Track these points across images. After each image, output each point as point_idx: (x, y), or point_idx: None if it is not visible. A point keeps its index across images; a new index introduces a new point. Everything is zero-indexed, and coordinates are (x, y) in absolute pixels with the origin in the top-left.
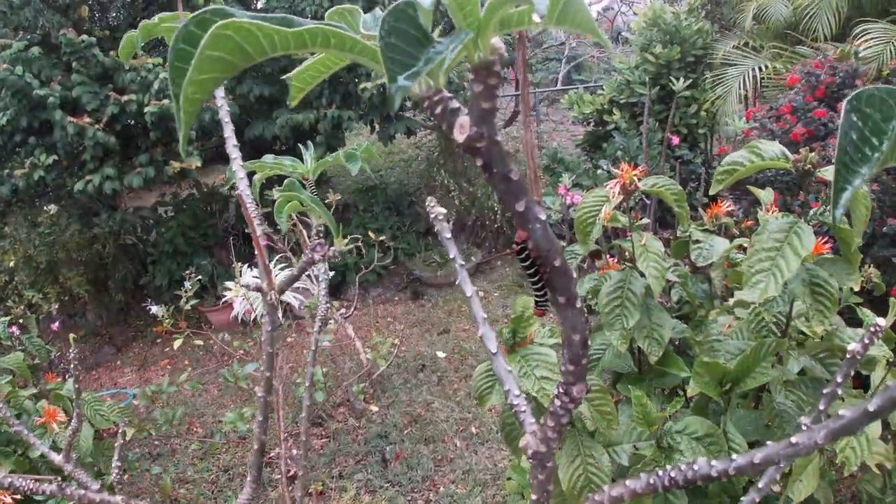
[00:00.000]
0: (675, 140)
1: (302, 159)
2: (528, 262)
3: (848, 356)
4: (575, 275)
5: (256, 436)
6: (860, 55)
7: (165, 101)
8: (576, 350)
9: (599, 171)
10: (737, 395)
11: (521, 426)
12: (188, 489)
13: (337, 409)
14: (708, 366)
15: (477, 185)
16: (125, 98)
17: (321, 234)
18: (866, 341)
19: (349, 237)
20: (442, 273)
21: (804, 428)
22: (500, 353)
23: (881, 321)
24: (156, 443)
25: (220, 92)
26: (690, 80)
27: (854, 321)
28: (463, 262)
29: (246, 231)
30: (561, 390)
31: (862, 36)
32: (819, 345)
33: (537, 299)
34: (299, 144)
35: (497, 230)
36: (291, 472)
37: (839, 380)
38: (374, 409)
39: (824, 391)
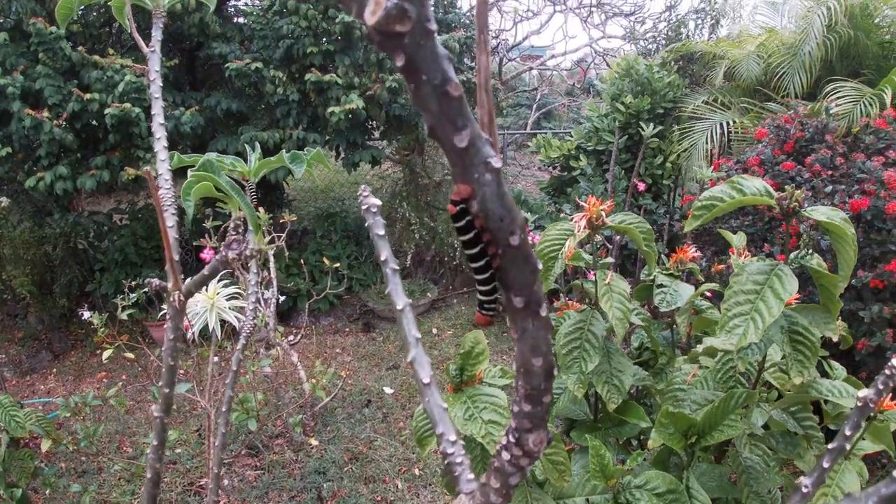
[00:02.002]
0: (641, 186)
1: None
2: (469, 236)
3: (858, 404)
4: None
5: (150, 464)
6: (831, 112)
7: (127, 105)
8: (536, 382)
9: (562, 215)
10: (700, 449)
11: (455, 481)
12: None
13: (274, 439)
14: (674, 416)
15: (439, 221)
16: (88, 96)
17: (240, 230)
18: (880, 387)
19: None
20: None
21: (804, 489)
22: (435, 386)
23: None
24: (82, 459)
25: (154, 64)
26: (659, 129)
27: (822, 375)
28: (396, 268)
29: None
30: (511, 439)
31: (833, 94)
32: (792, 397)
33: (482, 299)
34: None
35: (455, 267)
36: (222, 503)
37: (847, 432)
38: (314, 442)
39: (830, 446)
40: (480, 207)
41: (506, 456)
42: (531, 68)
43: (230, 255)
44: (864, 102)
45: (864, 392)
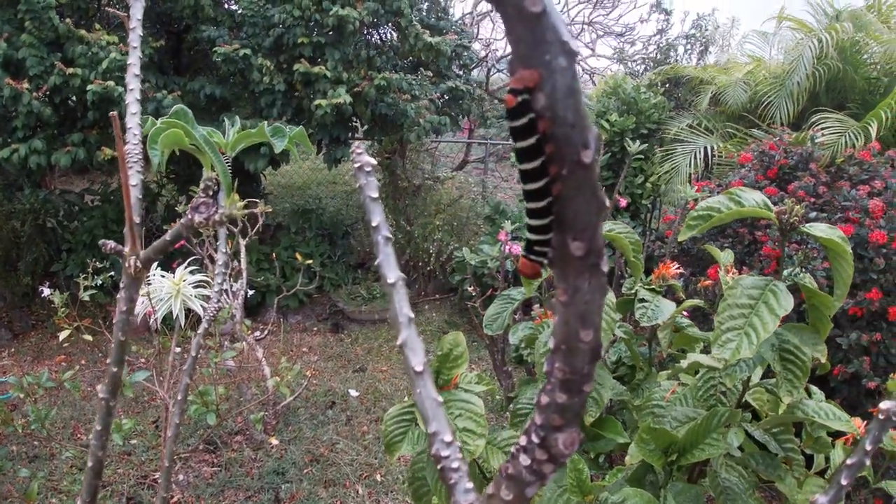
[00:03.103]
0: (623, 202)
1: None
2: (528, 143)
3: (881, 416)
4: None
5: (92, 451)
6: (816, 142)
7: (111, 83)
8: (579, 364)
9: None
10: (678, 467)
11: (449, 492)
12: (60, 500)
13: (234, 436)
14: (655, 432)
15: (416, 226)
16: (71, 71)
17: (211, 193)
18: None
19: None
20: (366, 308)
21: None
22: (429, 375)
23: None
24: (35, 443)
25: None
26: (644, 146)
27: None
28: (389, 236)
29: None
30: (535, 439)
31: (819, 124)
32: (774, 418)
33: (533, 238)
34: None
35: (429, 273)
36: (175, 499)
37: (868, 447)
38: (274, 441)
39: (849, 461)
40: (548, 103)
41: (524, 461)
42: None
43: (197, 219)
44: (849, 134)
45: (887, 404)
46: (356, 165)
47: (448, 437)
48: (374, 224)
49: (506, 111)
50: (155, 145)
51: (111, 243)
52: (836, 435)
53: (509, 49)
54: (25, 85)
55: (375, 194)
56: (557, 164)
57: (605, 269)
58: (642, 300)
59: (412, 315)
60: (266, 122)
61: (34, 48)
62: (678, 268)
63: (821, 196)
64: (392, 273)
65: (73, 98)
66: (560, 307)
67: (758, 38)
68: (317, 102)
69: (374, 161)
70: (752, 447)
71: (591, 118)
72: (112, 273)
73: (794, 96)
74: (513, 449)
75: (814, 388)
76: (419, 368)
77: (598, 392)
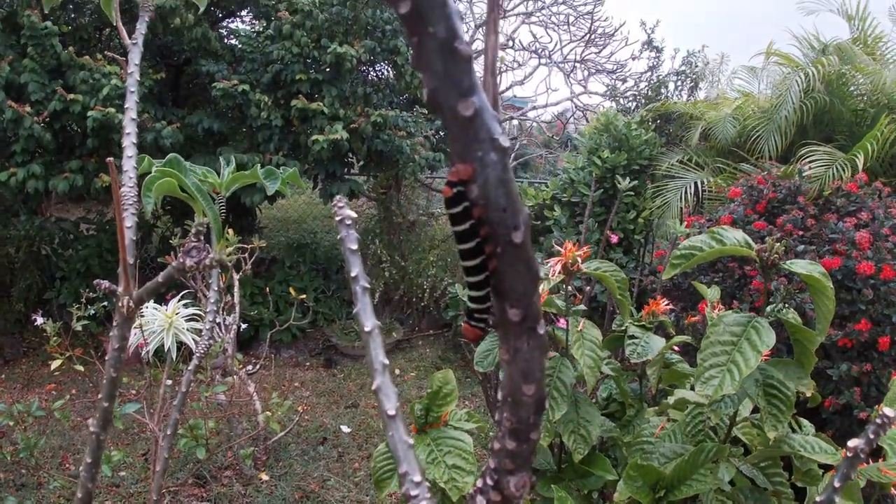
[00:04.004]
0: (614, 238)
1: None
2: (464, 227)
3: (849, 454)
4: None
5: (81, 483)
6: (804, 175)
7: (111, 110)
8: (524, 415)
9: None
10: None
11: None
12: None
13: (223, 471)
14: (643, 469)
15: (410, 262)
16: (71, 97)
17: (202, 237)
18: (871, 436)
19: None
20: (359, 344)
21: None
22: (401, 419)
23: (889, 411)
24: (23, 471)
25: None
26: (635, 183)
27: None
28: (367, 286)
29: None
30: (489, 481)
31: (807, 157)
32: (762, 452)
33: (473, 307)
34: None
35: (423, 309)
36: None
37: (837, 484)
38: (265, 477)
39: (818, 498)
40: (482, 193)
41: (481, 501)
42: (512, 118)
43: (188, 263)
44: (836, 166)
45: (854, 442)
46: (337, 218)
47: (417, 477)
48: (352, 274)
49: (444, 200)
50: (149, 193)
51: (105, 283)
52: (827, 467)
53: (503, 87)
54: (27, 108)
55: (355, 246)
56: (492, 243)
57: (542, 332)
58: (632, 336)
59: (387, 362)
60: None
61: (36, 73)
62: (668, 304)
63: (809, 229)
64: (369, 321)
65: (73, 125)
66: (504, 365)
67: (746, 73)
68: (314, 138)
69: (354, 214)
70: (744, 482)
71: (584, 155)
72: (105, 303)
73: (782, 130)
74: (470, 490)
75: (804, 421)
76: (392, 412)
77: (587, 430)
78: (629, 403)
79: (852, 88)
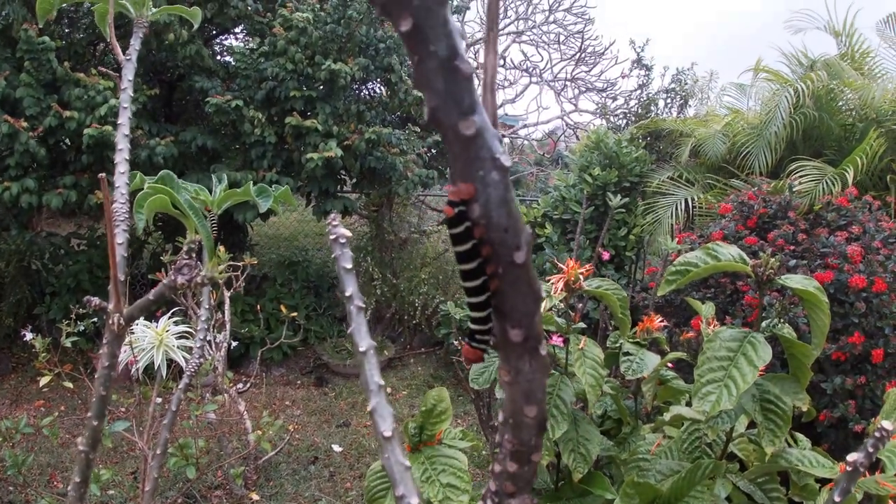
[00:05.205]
0: (606, 255)
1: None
2: (465, 247)
3: (848, 468)
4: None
5: (70, 501)
6: (794, 190)
7: (108, 127)
8: (526, 437)
9: None
10: None
11: None
12: None
13: (213, 490)
14: (639, 486)
15: (402, 279)
16: (67, 113)
17: (193, 255)
18: (870, 449)
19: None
20: (351, 363)
21: None
22: (397, 440)
23: (887, 424)
24: (10, 489)
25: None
26: (626, 200)
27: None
28: (362, 305)
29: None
30: None
31: (797, 172)
32: (759, 468)
33: (474, 328)
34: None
35: (415, 327)
36: None
37: (837, 498)
38: (255, 497)
39: None
40: (483, 212)
41: None
42: (503, 135)
43: (179, 280)
44: (826, 181)
45: (853, 455)
46: (332, 237)
47: (415, 500)
48: (347, 294)
49: (446, 220)
50: (141, 210)
51: (96, 300)
52: (824, 481)
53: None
54: (23, 123)
55: (350, 265)
56: (494, 263)
57: (545, 352)
58: (627, 353)
59: (382, 382)
60: (253, 180)
61: (31, 88)
62: (662, 320)
63: (800, 243)
64: (364, 342)
65: (67, 141)
66: (506, 386)
67: (735, 90)
68: (309, 156)
69: (348, 233)
70: (741, 498)
71: (575, 172)
72: (95, 319)
73: (771, 146)
74: None
75: (800, 436)
76: (388, 434)
77: (586, 448)
78: (626, 420)
79: (841, 103)
